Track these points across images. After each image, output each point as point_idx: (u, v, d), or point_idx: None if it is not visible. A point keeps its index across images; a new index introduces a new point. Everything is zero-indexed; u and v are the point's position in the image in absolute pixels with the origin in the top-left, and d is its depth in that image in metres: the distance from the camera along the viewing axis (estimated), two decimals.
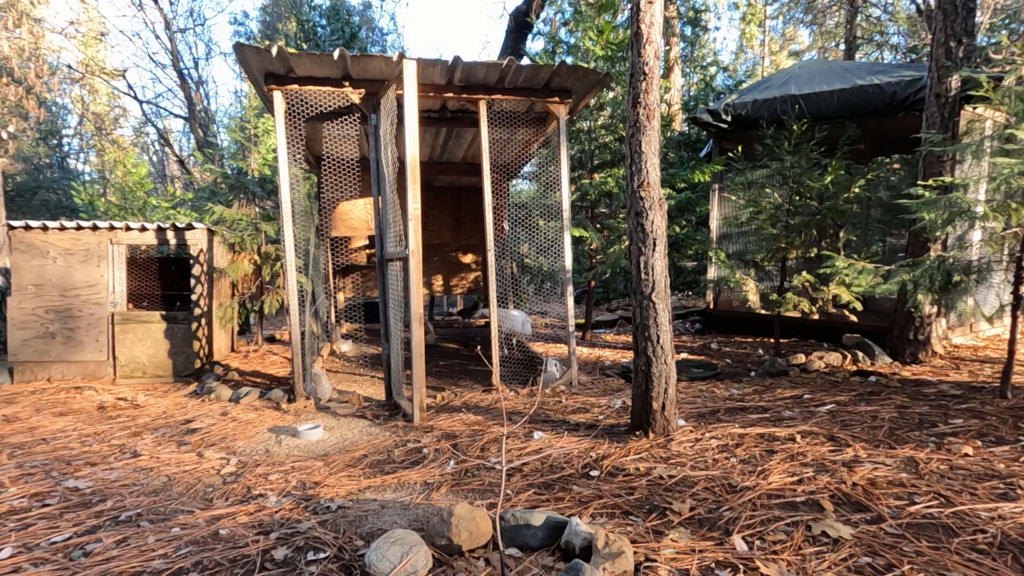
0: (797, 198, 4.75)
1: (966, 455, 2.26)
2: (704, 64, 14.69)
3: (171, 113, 19.96)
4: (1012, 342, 3.20)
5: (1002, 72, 4.17)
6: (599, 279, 6.49)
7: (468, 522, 1.58)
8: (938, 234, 3.65)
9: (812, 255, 4.97)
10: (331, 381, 4.14)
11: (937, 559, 1.52)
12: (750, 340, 5.74)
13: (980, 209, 3.16)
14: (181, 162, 19.62)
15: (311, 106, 3.83)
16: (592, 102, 5.97)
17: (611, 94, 6.68)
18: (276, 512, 1.94)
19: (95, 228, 4.32)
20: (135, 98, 18.86)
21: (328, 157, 4.82)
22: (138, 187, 9.58)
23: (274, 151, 7.37)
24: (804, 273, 4.75)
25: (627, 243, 5.02)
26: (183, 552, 1.66)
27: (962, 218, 3.22)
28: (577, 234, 5.68)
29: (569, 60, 6.60)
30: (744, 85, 12.53)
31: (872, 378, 3.75)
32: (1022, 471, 2.08)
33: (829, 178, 4.67)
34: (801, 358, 4.25)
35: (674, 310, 7.66)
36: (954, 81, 3.98)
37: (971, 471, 2.10)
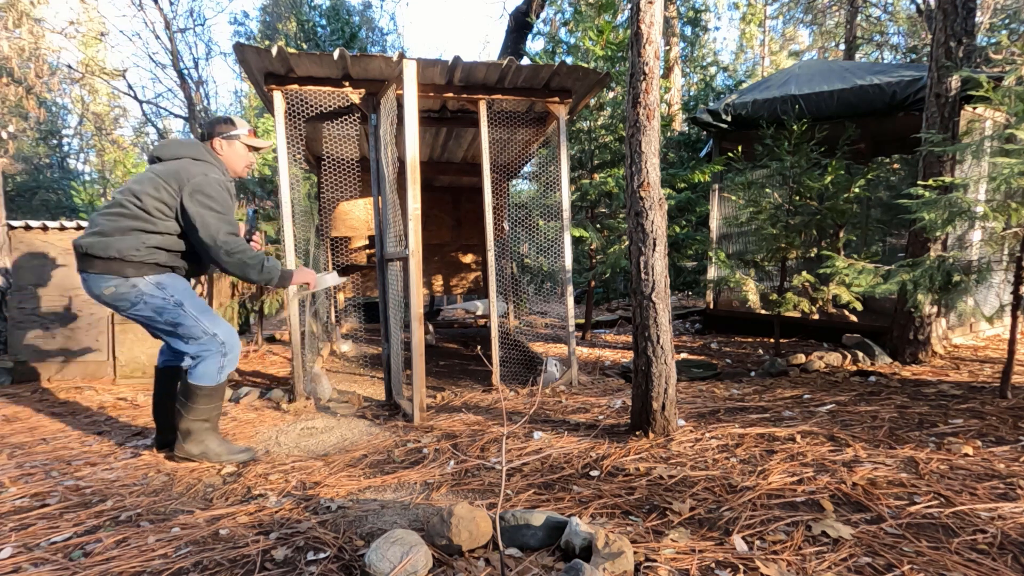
0: (797, 198, 4.75)
1: (966, 455, 2.26)
2: (704, 64, 14.70)
3: (171, 113, 19.95)
4: (1012, 342, 3.20)
5: (1002, 72, 4.17)
6: (599, 279, 6.49)
7: (468, 522, 1.58)
8: (938, 234, 3.65)
9: (812, 255, 4.97)
10: (331, 381, 4.14)
11: (937, 559, 1.52)
12: (750, 340, 5.74)
13: (980, 209, 3.16)
14: None
15: (311, 106, 3.83)
16: (592, 102, 5.97)
17: (611, 94, 6.68)
18: (276, 512, 1.94)
19: None
20: (135, 98, 18.85)
21: (328, 157, 4.82)
22: None
23: (274, 151, 7.37)
24: (804, 273, 4.75)
25: (627, 243, 5.03)
26: (183, 552, 1.66)
27: (962, 218, 3.22)
28: (577, 234, 5.68)
29: (569, 60, 6.60)
30: (744, 85, 12.53)
31: (872, 378, 3.75)
32: (1022, 471, 2.08)
33: (829, 178, 4.67)
34: (801, 358, 4.25)
35: (674, 310, 7.66)
36: (954, 81, 3.98)
37: (971, 471, 2.10)
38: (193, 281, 4.60)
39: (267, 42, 9.28)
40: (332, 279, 2.78)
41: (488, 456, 2.49)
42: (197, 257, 2.56)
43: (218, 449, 2.51)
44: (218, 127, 2.64)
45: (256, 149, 2.72)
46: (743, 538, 1.65)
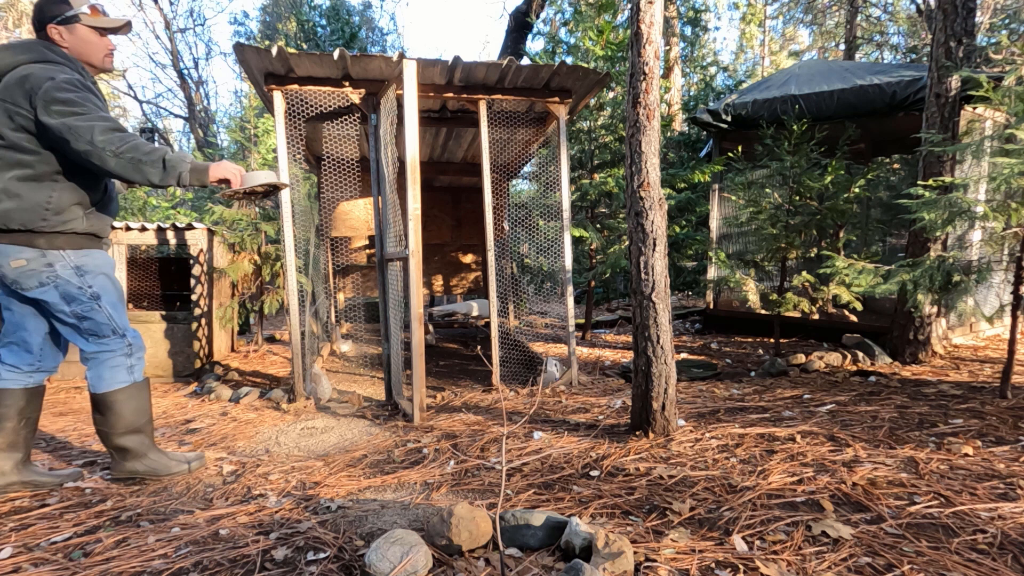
0: (797, 198, 4.75)
1: (966, 455, 2.26)
2: (704, 64, 14.71)
3: (171, 113, 19.96)
4: (1012, 342, 3.20)
5: (1002, 72, 4.17)
6: (599, 279, 6.49)
7: (468, 522, 1.58)
8: (938, 234, 3.65)
9: (812, 255, 4.97)
10: (331, 381, 4.14)
11: (937, 559, 1.52)
12: (750, 340, 5.74)
13: (980, 209, 3.16)
14: None
15: (311, 106, 3.83)
16: (592, 102, 5.97)
17: (611, 94, 6.68)
18: (276, 512, 1.94)
19: None
20: (135, 98, 18.86)
21: (328, 157, 4.83)
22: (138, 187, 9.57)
23: (274, 151, 7.37)
24: (804, 273, 4.75)
25: (627, 243, 5.03)
26: (183, 552, 1.66)
27: (962, 218, 3.23)
28: (577, 234, 5.68)
29: (569, 60, 6.60)
30: (744, 85, 12.53)
31: (872, 378, 3.75)
32: (1022, 471, 2.08)
33: (829, 178, 4.67)
34: (801, 358, 4.25)
35: (674, 310, 7.66)
36: (954, 81, 3.98)
37: (971, 471, 2.10)
38: (193, 280, 4.55)
39: (267, 42, 9.28)
40: (265, 176, 2.21)
41: (488, 456, 2.49)
42: (109, 195, 2.18)
43: (165, 461, 2.28)
44: (49, 9, 2.02)
45: (106, 30, 2.11)
46: (743, 538, 1.65)
